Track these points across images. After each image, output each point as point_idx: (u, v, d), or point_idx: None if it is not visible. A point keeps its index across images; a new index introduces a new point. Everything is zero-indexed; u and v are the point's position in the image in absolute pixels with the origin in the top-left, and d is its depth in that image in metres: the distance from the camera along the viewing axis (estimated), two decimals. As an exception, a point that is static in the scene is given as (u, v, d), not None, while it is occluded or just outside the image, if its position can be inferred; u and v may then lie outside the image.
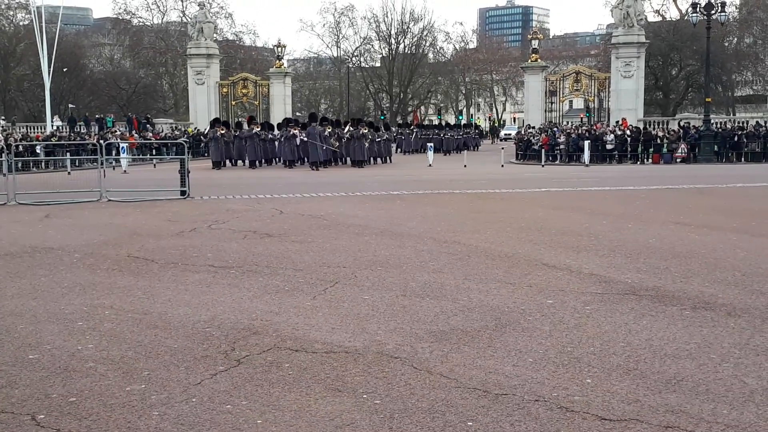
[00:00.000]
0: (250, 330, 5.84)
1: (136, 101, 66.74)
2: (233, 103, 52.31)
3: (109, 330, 5.92)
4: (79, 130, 45.10)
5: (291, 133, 30.43)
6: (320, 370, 4.92)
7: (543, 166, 31.60)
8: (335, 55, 79.27)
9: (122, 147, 30.90)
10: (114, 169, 26.99)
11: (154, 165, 32.18)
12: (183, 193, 16.41)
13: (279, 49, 54.66)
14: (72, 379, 4.82)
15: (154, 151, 37.55)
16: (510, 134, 69.41)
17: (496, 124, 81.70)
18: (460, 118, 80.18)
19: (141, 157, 35.90)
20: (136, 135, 41.57)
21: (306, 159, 30.61)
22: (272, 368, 4.97)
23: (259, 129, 32.96)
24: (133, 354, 5.31)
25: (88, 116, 51.15)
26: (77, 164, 30.63)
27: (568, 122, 49.99)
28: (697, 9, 36.25)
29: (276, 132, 33.10)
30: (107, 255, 9.19)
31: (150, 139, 39.72)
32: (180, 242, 10.15)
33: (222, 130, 32.12)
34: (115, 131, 41.98)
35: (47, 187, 17.33)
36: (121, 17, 72.20)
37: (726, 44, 65.60)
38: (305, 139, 29.56)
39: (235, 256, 8.95)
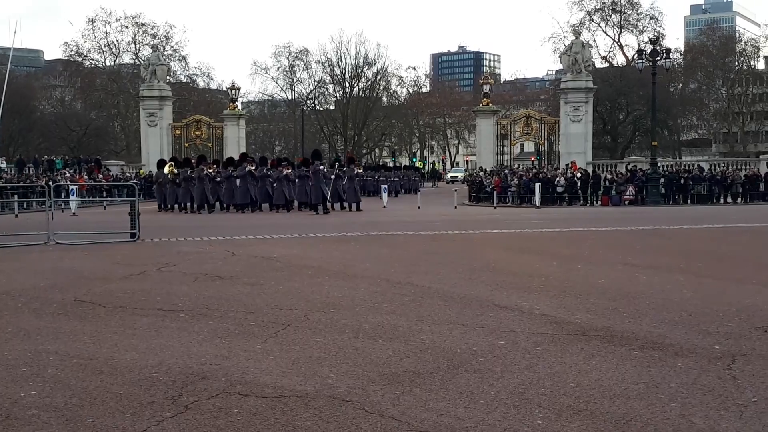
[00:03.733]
0: (198, 375, 5.74)
1: (86, 143, 66.00)
2: (186, 144, 52.02)
3: (54, 376, 5.77)
4: (27, 172, 44.35)
5: (284, 173, 28.36)
6: (270, 415, 4.85)
7: (495, 207, 31.94)
8: (290, 97, 79.63)
9: (71, 189, 30.43)
10: (63, 211, 26.54)
11: (105, 207, 31.74)
12: (133, 235, 16.19)
13: (233, 91, 54.75)
14: (14, 427, 4.67)
15: (104, 193, 37.09)
16: (456, 176, 70.15)
17: (436, 167, 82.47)
18: (414, 160, 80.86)
19: (91, 199, 35.40)
20: (86, 177, 41.02)
21: (302, 201, 28.52)
22: (221, 414, 4.88)
23: (253, 167, 29.18)
24: (77, 401, 5.18)
25: (37, 158, 50.38)
26: (25, 206, 30.10)
27: (519, 165, 50.70)
28: (643, 55, 37.38)
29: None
30: (53, 299, 8.99)
31: (100, 181, 39.22)
32: (128, 286, 9.98)
33: (210, 168, 29.58)
34: (65, 173, 41.40)
35: (-7, 230, 16.95)
36: (72, 59, 71.63)
37: (671, 90, 67.59)
38: (307, 176, 27.31)
39: (185, 300, 8.83)
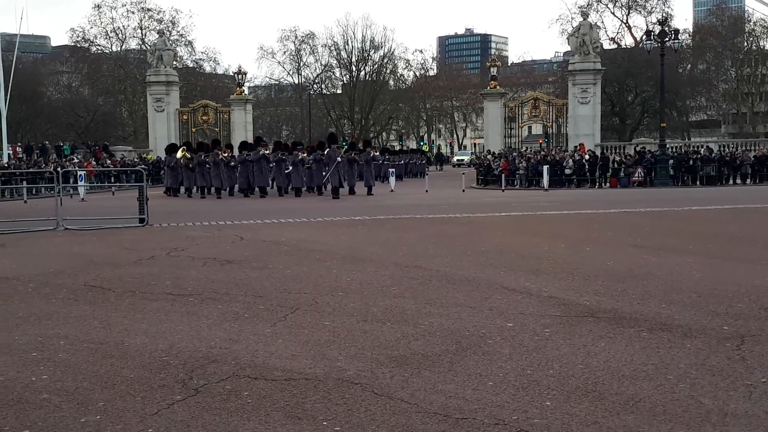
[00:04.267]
0: (208, 358, 5.77)
1: (94, 129, 66.07)
2: (194, 130, 51.99)
3: (64, 360, 5.81)
4: (36, 158, 44.45)
5: (299, 157, 28.04)
6: (280, 398, 4.87)
7: (503, 190, 31.87)
8: (296, 82, 79.51)
9: (80, 175, 30.51)
10: (71, 197, 26.63)
11: (113, 193, 31.82)
12: (142, 220, 16.23)
13: (240, 76, 54.65)
14: (25, 411, 4.71)
15: (112, 179, 37.17)
16: (463, 160, 69.87)
17: (441, 151, 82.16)
18: (422, 143, 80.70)
19: (99, 184, 35.49)
20: (94, 162, 41.10)
21: (316, 185, 28.12)
22: (231, 397, 4.91)
23: (269, 151, 28.95)
24: (88, 385, 5.21)
25: (45, 144, 50.49)
26: (34, 192, 30.20)
27: (527, 148, 50.55)
28: (651, 36, 37.09)
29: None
30: (63, 284, 9.04)
31: (108, 167, 39.29)
32: (138, 270, 10.02)
33: (225, 153, 28.96)
34: (73, 159, 41.48)
35: (2, 216, 17.06)
36: (79, 45, 71.64)
37: (680, 71, 67.15)
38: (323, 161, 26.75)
39: (194, 284, 8.86)
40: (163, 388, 5.11)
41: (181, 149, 30.66)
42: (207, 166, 28.33)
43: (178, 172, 29.82)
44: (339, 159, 26.48)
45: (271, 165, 28.13)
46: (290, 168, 27.90)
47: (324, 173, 27.23)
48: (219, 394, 4.96)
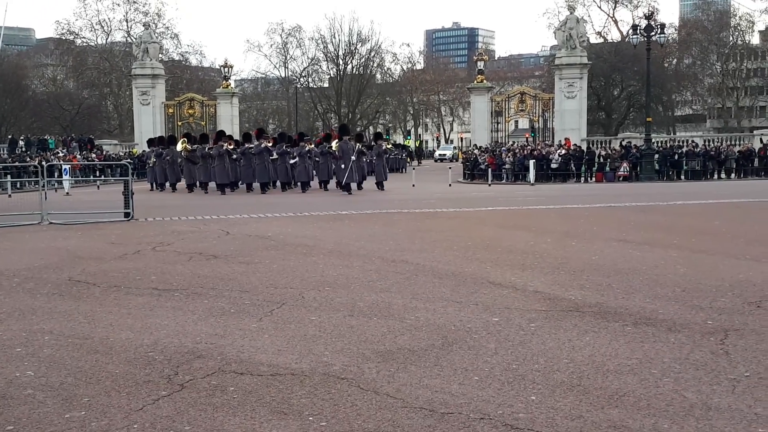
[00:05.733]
0: (194, 353, 5.76)
1: (79, 122, 65.61)
2: (179, 123, 51.75)
3: (49, 356, 5.78)
4: (20, 151, 44.16)
5: (306, 149, 26.58)
6: (265, 393, 4.87)
7: (490, 185, 31.93)
8: (283, 75, 79.21)
9: (65, 169, 30.31)
10: (56, 191, 26.46)
11: (98, 187, 31.65)
12: (127, 215, 16.16)
13: (226, 69, 54.37)
14: (9, 407, 4.69)
15: (98, 173, 36.98)
16: (445, 154, 69.61)
17: (420, 145, 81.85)
18: (408, 137, 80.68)
19: (84, 178, 35.30)
20: (79, 156, 40.85)
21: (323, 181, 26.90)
22: (216, 392, 4.90)
23: (270, 144, 27.17)
24: (73, 380, 5.19)
25: (30, 137, 50.16)
26: (18, 186, 29.99)
27: (513, 142, 50.60)
28: (638, 31, 37.22)
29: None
30: (47, 279, 8.99)
31: (93, 161, 39.07)
32: (123, 265, 9.98)
33: (230, 144, 26.72)
34: (57, 152, 41.23)
35: (-14, 210, 16.91)
36: (64, 38, 71.02)
37: (666, 65, 67.42)
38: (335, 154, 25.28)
39: (180, 279, 8.83)
40: (149, 383, 5.10)
41: (181, 141, 29.15)
42: (211, 159, 26.33)
43: (176, 165, 28.48)
44: (353, 154, 24.81)
45: (274, 158, 26.55)
46: (296, 160, 26.51)
47: (334, 167, 25.96)
48: (204, 389, 4.96)
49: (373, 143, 28.88)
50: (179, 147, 28.69)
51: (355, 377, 5.16)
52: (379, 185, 26.93)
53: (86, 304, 7.61)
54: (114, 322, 6.81)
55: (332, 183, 27.14)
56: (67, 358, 5.73)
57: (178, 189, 28.73)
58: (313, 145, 27.44)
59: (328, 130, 58.20)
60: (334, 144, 26.65)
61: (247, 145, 27.17)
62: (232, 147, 26.62)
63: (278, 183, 27.49)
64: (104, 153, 45.55)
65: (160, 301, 7.65)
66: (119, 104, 71.16)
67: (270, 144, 27.06)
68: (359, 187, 26.10)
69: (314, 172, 27.58)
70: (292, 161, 26.75)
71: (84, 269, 9.69)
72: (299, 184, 26.67)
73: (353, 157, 24.58)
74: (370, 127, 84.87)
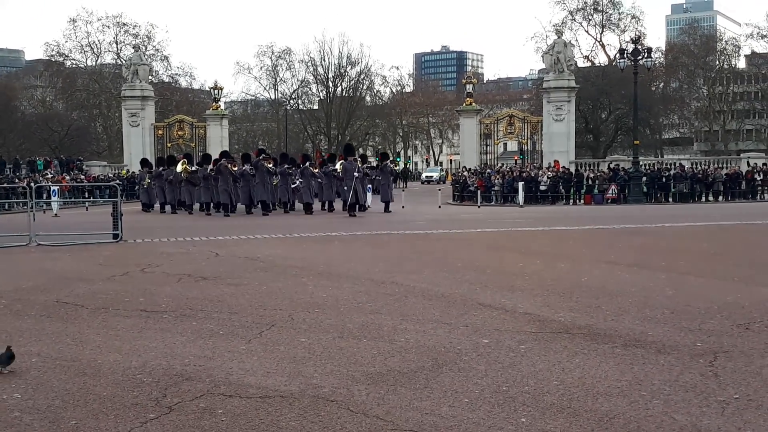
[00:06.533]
0: (182, 376, 5.72)
1: (68, 144, 65.46)
2: (169, 145, 51.75)
3: (36, 378, 5.73)
4: (8, 173, 44.01)
5: (309, 170, 26.25)
6: (254, 416, 4.84)
7: (479, 206, 32.01)
8: (273, 97, 79.44)
9: (53, 190, 30.19)
10: (45, 212, 26.36)
11: (87, 208, 31.53)
12: (116, 236, 16.10)
13: (216, 91, 54.50)
14: (-5, 431, 4.64)
15: (86, 194, 36.86)
16: (432, 176, 69.56)
17: (407, 166, 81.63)
18: (398, 159, 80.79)
19: (73, 200, 35.17)
20: (67, 177, 40.74)
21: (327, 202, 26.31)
22: (205, 415, 4.87)
23: (271, 164, 26.43)
24: (60, 403, 5.15)
25: (18, 159, 50.01)
26: (6, 207, 29.85)
27: (502, 164, 50.80)
28: (625, 55, 37.62)
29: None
30: (35, 301, 8.93)
31: (82, 182, 38.95)
32: (111, 287, 9.93)
33: (234, 165, 26.06)
34: (46, 174, 41.10)
35: (-27, 232, 16.80)
36: (54, 59, 71.09)
37: (653, 89, 67.95)
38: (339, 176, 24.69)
39: (168, 300, 8.79)
40: (137, 406, 5.06)
41: (181, 162, 28.46)
42: (213, 180, 25.61)
43: (178, 187, 27.79)
44: (357, 174, 24.26)
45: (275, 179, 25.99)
46: (298, 182, 26.06)
47: (336, 188, 25.46)
48: (193, 412, 4.92)
49: (378, 163, 28.16)
50: (179, 168, 28.04)
51: (345, 399, 5.14)
52: (386, 206, 26.22)
53: (74, 325, 7.56)
54: (102, 344, 6.77)
55: (338, 205, 26.58)
56: (55, 380, 5.68)
57: (179, 211, 28.12)
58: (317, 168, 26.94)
59: (317, 151, 58.11)
60: (338, 165, 26.16)
61: (247, 167, 26.11)
62: (235, 168, 25.82)
63: (276, 204, 26.98)
64: (84, 173, 45.18)
65: (149, 323, 7.60)
66: (108, 126, 71.12)
67: (270, 165, 26.36)
68: (364, 208, 25.50)
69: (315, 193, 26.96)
70: (293, 185, 26.38)
71: (72, 291, 9.63)
72: (302, 205, 26.24)
73: (356, 175, 24.08)
74: (360, 149, 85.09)
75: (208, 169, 26.35)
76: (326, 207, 26.96)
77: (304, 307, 8.29)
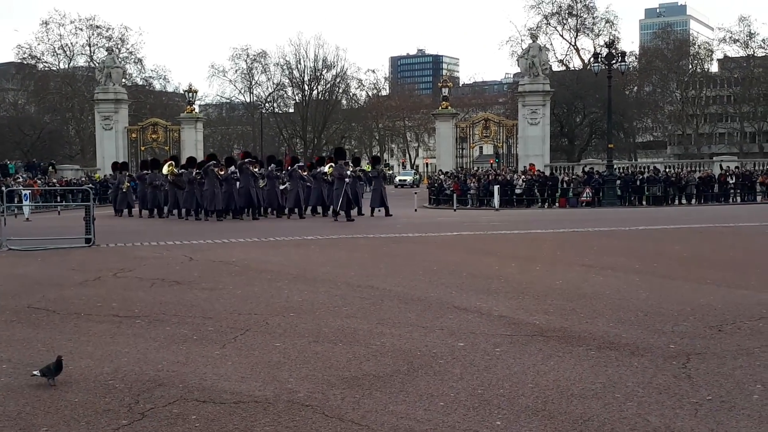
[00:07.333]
0: (155, 381, 5.66)
1: (40, 147, 64.78)
2: (142, 148, 51.39)
3: (6, 384, 5.65)
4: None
5: (298, 173, 25.30)
6: (228, 421, 4.80)
7: (455, 210, 32.09)
8: (248, 100, 79.20)
9: (25, 194, 29.82)
10: (16, 217, 26.04)
11: (59, 212, 31.20)
12: (88, 240, 15.93)
13: (190, 94, 54.20)
14: (-37, 439, 4.56)
15: (59, 198, 36.44)
16: (405, 180, 69.37)
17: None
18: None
19: (45, 204, 34.76)
20: (39, 181, 40.29)
21: (321, 205, 25.44)
22: (178, 421, 4.82)
23: (257, 168, 25.66)
24: (31, 409, 5.08)
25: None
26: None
27: (478, 168, 50.99)
28: (599, 59, 37.89)
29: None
30: (6, 306, 8.81)
31: (54, 186, 38.53)
32: (83, 292, 9.82)
33: (222, 169, 24.67)
34: (18, 178, 40.63)
35: (-57, 236, 16.53)
36: (26, 62, 70.35)
37: (627, 93, 68.62)
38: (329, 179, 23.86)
39: (142, 305, 8.71)
40: (109, 412, 5.00)
41: (167, 165, 27.43)
42: (198, 184, 24.77)
43: (161, 191, 26.88)
44: (347, 178, 23.33)
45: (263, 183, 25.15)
46: (286, 186, 25.34)
47: (327, 192, 24.68)
48: (166, 418, 4.87)
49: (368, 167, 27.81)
50: (165, 170, 27.06)
51: (320, 404, 5.12)
52: (379, 210, 25.66)
53: (45, 331, 7.47)
54: (74, 349, 6.68)
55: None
56: (25, 386, 5.60)
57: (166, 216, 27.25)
58: (305, 172, 26.25)
59: (293, 155, 57.78)
60: (327, 168, 25.33)
61: (230, 170, 24.96)
62: (222, 172, 24.63)
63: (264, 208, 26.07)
64: (48, 176, 44.61)
65: (121, 329, 7.53)
66: (81, 129, 70.44)
67: (257, 168, 25.65)
68: (359, 213, 24.97)
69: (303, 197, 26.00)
70: (282, 187, 25.72)
71: (44, 296, 9.51)
72: (290, 209, 25.53)
73: (348, 181, 23.23)
74: (324, 153, 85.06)
75: (194, 173, 25.50)
76: (315, 211, 26.38)
77: (279, 312, 8.25)
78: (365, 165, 41.53)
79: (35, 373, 5.54)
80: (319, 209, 26.33)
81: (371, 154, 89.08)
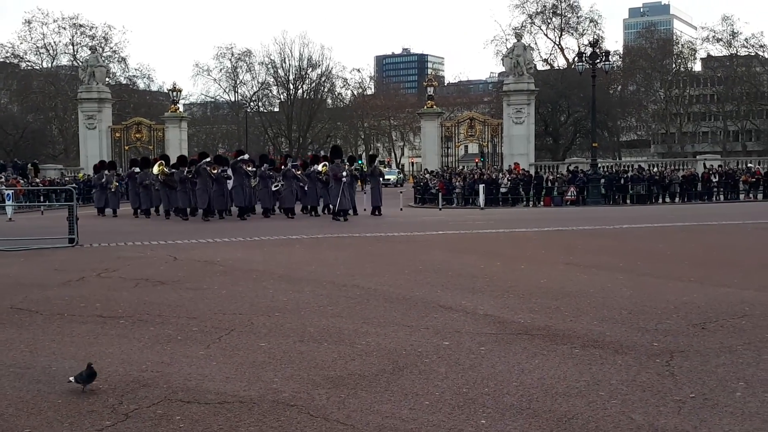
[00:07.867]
0: (139, 382, 5.64)
1: (23, 147, 64.30)
2: (126, 147, 51.07)
3: (-12, 386, 5.61)
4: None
5: (291, 172, 25.09)
6: (213, 422, 4.78)
7: (440, 209, 32.12)
8: (233, 99, 78.92)
9: (7, 194, 29.59)
10: (-1, 216, 25.84)
11: (42, 212, 30.99)
12: (72, 240, 15.84)
13: (174, 93, 53.91)
14: (-56, 441, 4.52)
15: (42, 198, 36.20)
16: (389, 179, 69.29)
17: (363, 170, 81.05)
18: (360, 162, 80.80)
19: (28, 204, 34.51)
20: (22, 181, 39.99)
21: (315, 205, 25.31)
22: (162, 421, 4.80)
23: (250, 166, 25.28)
24: (14, 411, 5.04)
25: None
26: (-41, 212, 29.20)
27: (463, 167, 51.03)
28: (583, 58, 38.03)
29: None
30: (-12, 307, 8.74)
31: (37, 185, 38.26)
32: (67, 292, 9.76)
33: (214, 168, 24.21)
34: (0, 178, 40.28)
35: (-76, 237, 16.42)
36: (8, 61, 69.82)
37: (611, 92, 68.90)
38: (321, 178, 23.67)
39: (126, 306, 8.66)
40: (92, 413, 4.97)
41: (158, 164, 26.88)
42: (189, 183, 24.36)
43: (151, 190, 26.40)
44: (344, 178, 22.88)
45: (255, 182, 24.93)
46: (279, 185, 25.00)
47: (320, 191, 24.60)
48: (150, 419, 4.85)
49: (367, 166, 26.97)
50: (155, 170, 26.53)
51: (305, 404, 5.11)
52: (376, 210, 25.50)
53: (28, 332, 7.41)
54: (57, 350, 6.64)
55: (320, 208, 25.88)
56: (8, 387, 5.56)
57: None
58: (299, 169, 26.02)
59: (278, 154, 57.64)
60: (320, 166, 24.90)
61: (221, 169, 24.50)
62: (215, 171, 24.20)
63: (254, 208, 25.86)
64: (27, 176, 44.23)
65: (105, 329, 7.48)
66: (64, 128, 70.00)
67: (250, 167, 25.22)
68: (354, 213, 24.60)
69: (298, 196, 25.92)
70: (275, 187, 25.40)
71: (26, 296, 9.44)
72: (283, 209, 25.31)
73: (345, 181, 22.82)
74: (321, 152, 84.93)
75: (185, 171, 25.05)
76: (309, 211, 26.11)
77: (264, 312, 8.23)
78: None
79: (71, 379, 5.46)
80: (311, 210, 26.18)
81: (356, 153, 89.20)
